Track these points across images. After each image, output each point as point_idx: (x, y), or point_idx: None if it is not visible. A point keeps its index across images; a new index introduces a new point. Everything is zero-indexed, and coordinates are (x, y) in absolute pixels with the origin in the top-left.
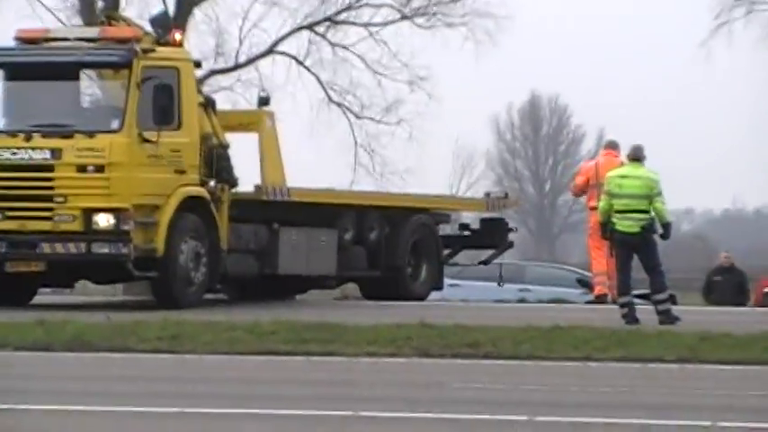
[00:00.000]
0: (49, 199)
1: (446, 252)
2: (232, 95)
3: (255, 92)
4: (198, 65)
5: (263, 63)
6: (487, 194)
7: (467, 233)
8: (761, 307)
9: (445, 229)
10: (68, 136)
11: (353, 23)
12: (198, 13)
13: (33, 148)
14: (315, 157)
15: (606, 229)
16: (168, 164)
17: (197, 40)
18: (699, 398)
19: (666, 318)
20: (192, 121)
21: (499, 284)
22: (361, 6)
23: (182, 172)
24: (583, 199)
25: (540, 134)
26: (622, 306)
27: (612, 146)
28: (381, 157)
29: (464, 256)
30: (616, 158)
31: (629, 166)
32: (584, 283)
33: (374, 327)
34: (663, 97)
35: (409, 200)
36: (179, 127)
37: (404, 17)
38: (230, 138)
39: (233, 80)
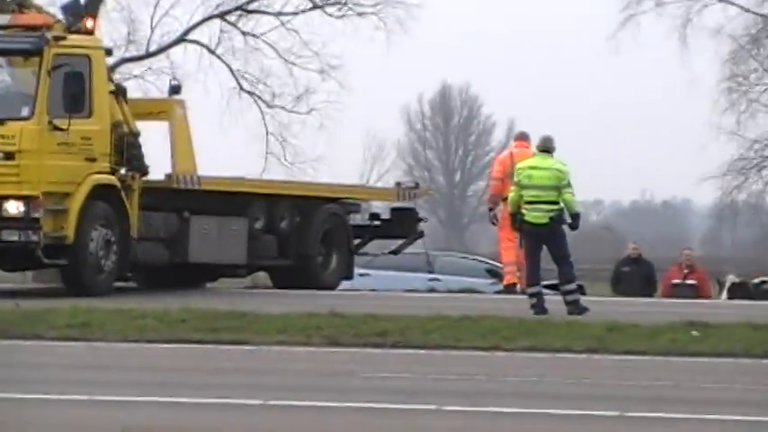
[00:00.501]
0: None
1: (356, 241)
2: (143, 84)
3: (167, 80)
4: (109, 53)
5: (175, 51)
6: (398, 184)
7: (377, 223)
8: (668, 298)
9: (356, 219)
10: None
11: (265, 12)
12: (109, 0)
13: None
14: (226, 145)
15: (516, 219)
16: (79, 151)
17: (108, 27)
18: (607, 388)
19: (575, 308)
20: (102, 109)
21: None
22: None
23: (92, 160)
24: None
25: (450, 124)
26: (531, 296)
27: (524, 137)
28: (293, 146)
29: (374, 246)
30: (528, 149)
31: (538, 157)
32: (494, 273)
33: (284, 315)
34: (573, 89)
35: (320, 189)
36: (90, 115)
37: (315, 6)
38: (141, 126)
39: (144, 68)
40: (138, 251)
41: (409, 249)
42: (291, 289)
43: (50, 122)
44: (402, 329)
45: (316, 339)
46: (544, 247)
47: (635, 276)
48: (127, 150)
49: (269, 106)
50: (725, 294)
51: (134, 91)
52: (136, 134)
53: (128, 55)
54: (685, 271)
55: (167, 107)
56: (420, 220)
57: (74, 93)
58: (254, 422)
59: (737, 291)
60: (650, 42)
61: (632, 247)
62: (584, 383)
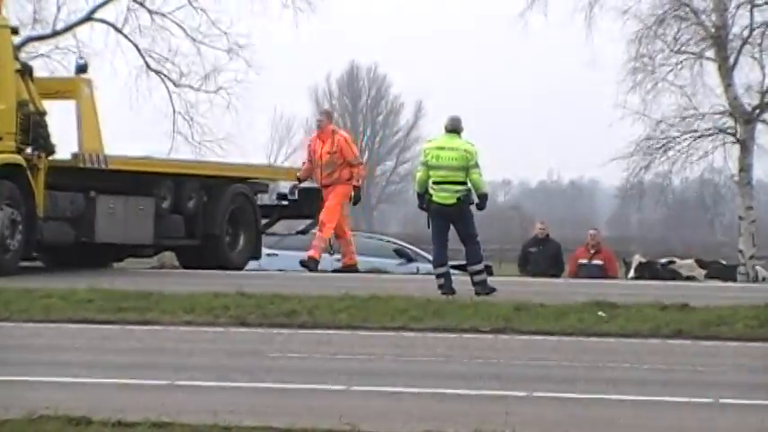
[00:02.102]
0: None
1: (264, 221)
2: (50, 62)
3: (73, 59)
4: (15, 31)
5: (82, 30)
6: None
7: (285, 203)
8: (575, 278)
9: (263, 199)
10: None
11: None
12: None
13: None
14: (133, 124)
15: (423, 200)
16: None
17: (14, 6)
18: (514, 368)
19: (482, 288)
20: (8, 88)
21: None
22: None
23: None
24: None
25: (358, 104)
26: (438, 276)
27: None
28: (200, 125)
29: (282, 226)
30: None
31: (445, 137)
32: (402, 254)
33: (191, 295)
34: (481, 68)
35: (227, 169)
36: None
37: None
38: (48, 105)
39: (51, 47)
40: (44, 230)
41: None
42: (199, 269)
43: None
44: (310, 309)
45: (223, 319)
46: (451, 227)
47: (542, 256)
48: (33, 130)
49: (176, 85)
50: (632, 274)
51: (40, 70)
52: (42, 113)
53: (34, 33)
54: (592, 251)
55: (74, 86)
56: None
57: None
58: (161, 402)
59: (644, 270)
60: (557, 22)
61: (539, 227)
62: (492, 363)
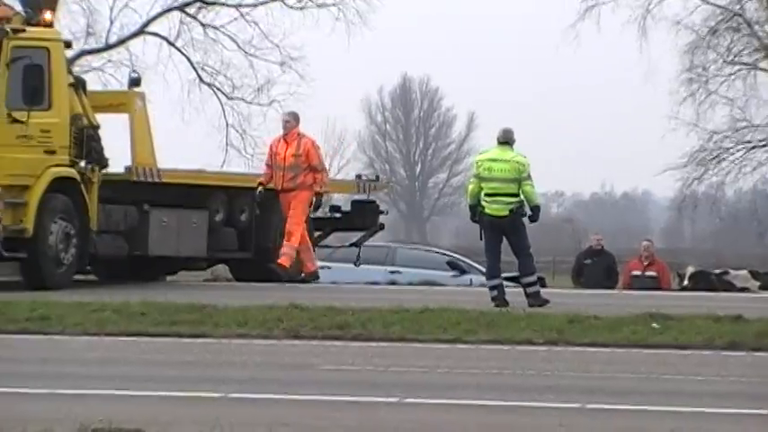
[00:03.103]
0: None
1: (317, 234)
2: (103, 76)
3: (126, 72)
4: (68, 45)
5: (134, 43)
6: (358, 177)
7: (338, 215)
8: (628, 289)
9: (316, 212)
10: None
11: (224, 4)
12: None
13: None
14: (186, 137)
15: (475, 212)
16: (38, 144)
17: (68, 19)
18: (568, 380)
19: (535, 300)
20: (62, 102)
21: (356, 264)
22: None
23: (52, 152)
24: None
25: (411, 117)
26: (491, 288)
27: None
28: (253, 138)
29: (335, 239)
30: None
31: (497, 149)
32: (455, 266)
33: (244, 308)
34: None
35: None
36: (49, 107)
37: None
38: (101, 118)
39: (104, 61)
40: (97, 244)
41: (370, 242)
42: (251, 281)
43: (9, 115)
44: (363, 322)
45: (276, 332)
46: (504, 239)
47: (597, 268)
48: (86, 143)
49: (229, 98)
50: (686, 284)
51: (94, 83)
52: (95, 127)
53: (87, 47)
54: (645, 263)
55: (127, 99)
56: (380, 212)
57: (33, 85)
58: (215, 415)
59: (698, 281)
60: (610, 33)
61: (596, 239)
62: (545, 375)
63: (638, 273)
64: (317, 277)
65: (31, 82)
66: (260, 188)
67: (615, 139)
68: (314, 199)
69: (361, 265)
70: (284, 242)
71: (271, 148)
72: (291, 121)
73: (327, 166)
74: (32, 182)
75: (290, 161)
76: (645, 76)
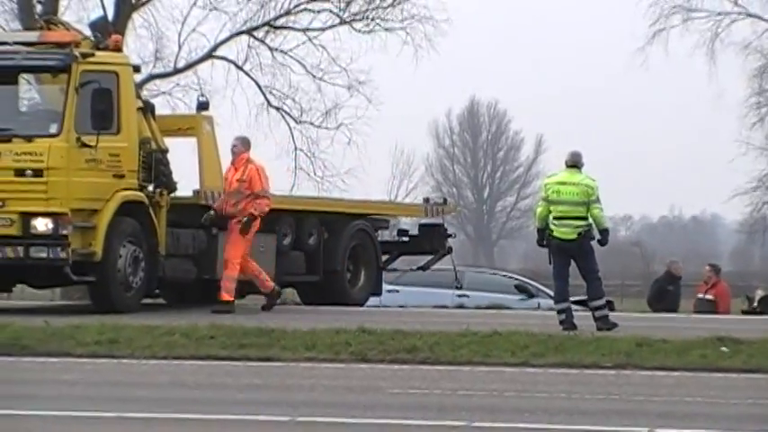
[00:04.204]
0: None
1: (385, 257)
2: (171, 100)
3: (194, 96)
4: (137, 69)
5: (202, 68)
6: (426, 200)
7: (405, 239)
8: (696, 313)
9: (384, 235)
10: (6, 140)
11: (292, 28)
12: (137, 17)
13: None
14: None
15: (543, 235)
16: (107, 168)
17: (136, 44)
18: (636, 404)
19: (604, 324)
20: (130, 126)
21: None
22: (300, 11)
23: (121, 176)
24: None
25: (478, 140)
26: (560, 312)
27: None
28: (321, 161)
29: (403, 262)
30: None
31: (566, 172)
32: (523, 289)
33: (312, 332)
34: (601, 103)
35: (348, 205)
36: (118, 132)
37: (342, 22)
38: (169, 142)
39: (172, 85)
40: (165, 268)
41: (438, 265)
42: (319, 305)
43: (78, 139)
44: (431, 345)
45: (344, 355)
46: (572, 262)
47: (677, 295)
48: (155, 167)
49: (297, 122)
50: (755, 307)
51: (162, 107)
52: (164, 151)
53: (155, 71)
54: (708, 286)
55: (195, 123)
56: (448, 235)
57: (102, 110)
58: None
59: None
60: (678, 57)
61: (676, 265)
62: (614, 399)
63: (700, 296)
64: (277, 295)
65: (99, 106)
66: (211, 212)
67: (684, 163)
68: (245, 219)
69: (429, 288)
70: (223, 272)
71: (224, 174)
72: (239, 146)
73: (394, 190)
74: (101, 206)
75: (234, 186)
76: (713, 100)
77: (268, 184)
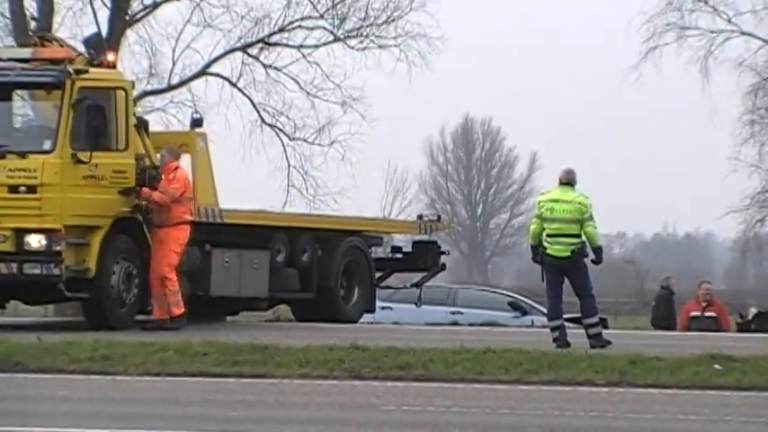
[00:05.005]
0: None
1: (378, 274)
2: (165, 116)
3: (188, 113)
4: (132, 86)
5: (196, 84)
6: (420, 217)
7: (399, 256)
8: (686, 331)
9: (377, 252)
10: (0, 156)
11: (286, 45)
12: (131, 33)
13: None
14: (248, 178)
15: (537, 252)
16: (111, 185)
17: (130, 60)
18: (629, 421)
19: (597, 341)
20: (135, 143)
21: (417, 305)
22: (294, 28)
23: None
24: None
25: (472, 157)
26: (553, 329)
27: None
28: (314, 178)
29: (396, 279)
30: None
31: (559, 189)
32: (516, 306)
33: (306, 349)
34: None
35: (342, 222)
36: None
37: (336, 39)
38: None
39: (166, 101)
40: None
41: (431, 282)
42: (313, 322)
43: (74, 156)
44: (424, 362)
45: (337, 372)
46: (566, 279)
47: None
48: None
49: (291, 139)
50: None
51: (156, 124)
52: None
53: (149, 88)
54: (704, 304)
55: (189, 140)
56: (442, 253)
57: (96, 126)
58: None
59: (761, 322)
60: (672, 74)
61: (673, 282)
62: (607, 417)
63: (697, 314)
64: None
65: (94, 123)
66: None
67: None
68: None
69: (423, 306)
70: (165, 290)
71: None
72: (166, 155)
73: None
74: (103, 222)
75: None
76: (707, 117)
77: (190, 193)
